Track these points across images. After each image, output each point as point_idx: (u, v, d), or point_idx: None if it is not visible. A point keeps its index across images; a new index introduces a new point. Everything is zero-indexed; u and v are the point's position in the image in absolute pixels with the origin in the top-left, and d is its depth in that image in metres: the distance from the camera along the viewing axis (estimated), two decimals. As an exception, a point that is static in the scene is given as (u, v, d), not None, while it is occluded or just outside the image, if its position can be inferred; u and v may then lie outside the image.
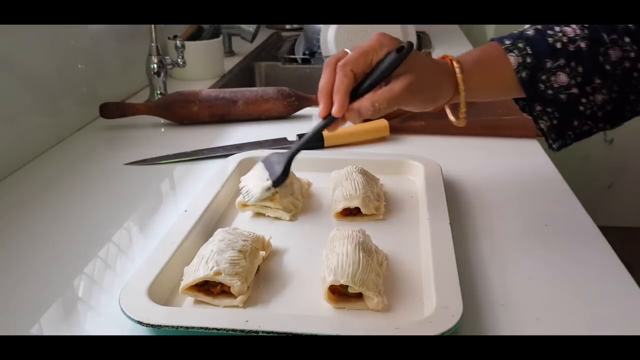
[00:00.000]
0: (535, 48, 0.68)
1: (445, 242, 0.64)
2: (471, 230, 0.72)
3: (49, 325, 0.56)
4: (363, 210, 0.73)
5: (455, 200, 0.78)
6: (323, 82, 0.63)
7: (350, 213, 0.74)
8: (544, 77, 0.68)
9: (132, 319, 0.52)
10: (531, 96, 0.69)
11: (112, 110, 1.08)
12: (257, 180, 0.68)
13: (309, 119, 1.15)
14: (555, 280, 0.62)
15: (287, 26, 2.09)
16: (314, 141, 0.63)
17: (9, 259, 0.67)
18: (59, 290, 0.61)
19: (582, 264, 0.65)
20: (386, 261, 0.64)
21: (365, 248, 0.60)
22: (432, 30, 1.93)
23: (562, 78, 0.67)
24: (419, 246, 0.67)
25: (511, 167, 0.91)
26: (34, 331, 0.56)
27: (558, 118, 0.69)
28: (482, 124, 1.03)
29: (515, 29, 0.71)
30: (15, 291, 0.61)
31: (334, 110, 0.62)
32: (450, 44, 1.81)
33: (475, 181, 0.85)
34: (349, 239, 0.61)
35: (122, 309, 0.53)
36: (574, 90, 0.68)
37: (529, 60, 0.67)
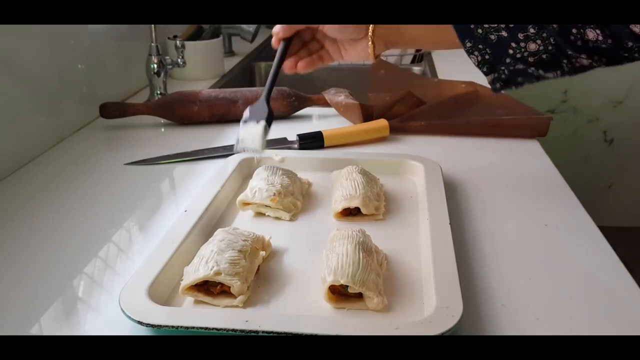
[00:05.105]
0: None
1: (445, 242, 0.64)
2: (471, 230, 0.72)
3: (49, 325, 0.56)
4: (363, 210, 0.73)
5: (455, 200, 0.78)
6: None
7: (350, 213, 0.74)
8: None
9: (132, 319, 0.52)
10: (461, 33, 0.71)
11: (112, 110, 1.08)
12: (251, 131, 0.73)
13: (309, 119, 1.15)
14: (555, 280, 0.62)
15: (287, 26, 2.08)
16: (279, 71, 0.77)
17: (9, 258, 0.67)
18: (59, 290, 0.62)
19: (582, 264, 0.65)
20: (386, 261, 0.64)
21: (365, 248, 0.60)
22: (432, 30, 1.93)
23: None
24: (419, 246, 0.67)
25: (511, 167, 0.91)
26: (34, 331, 0.56)
27: (490, 54, 0.71)
28: (482, 124, 1.03)
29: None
30: (15, 291, 0.61)
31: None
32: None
33: (475, 181, 0.85)
34: (349, 239, 0.61)
35: (122, 309, 0.53)
36: (503, 33, 0.69)
37: None
